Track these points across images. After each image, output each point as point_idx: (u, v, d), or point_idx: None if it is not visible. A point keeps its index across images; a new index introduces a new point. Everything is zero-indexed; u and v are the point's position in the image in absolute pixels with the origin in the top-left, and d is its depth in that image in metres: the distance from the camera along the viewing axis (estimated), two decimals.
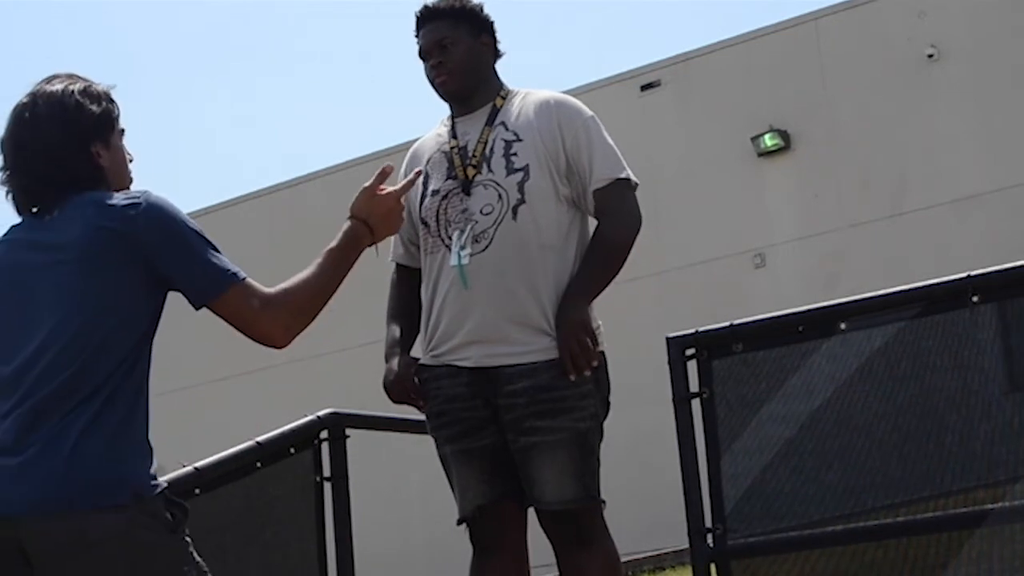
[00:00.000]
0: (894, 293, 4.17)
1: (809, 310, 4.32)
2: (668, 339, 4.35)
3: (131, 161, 2.94)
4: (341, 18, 31.18)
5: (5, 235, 2.88)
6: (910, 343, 4.09)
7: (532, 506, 3.92)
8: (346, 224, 2.94)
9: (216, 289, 2.74)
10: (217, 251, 2.77)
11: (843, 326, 4.15)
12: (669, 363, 4.32)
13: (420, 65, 4.10)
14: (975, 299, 3.97)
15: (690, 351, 4.32)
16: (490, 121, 4.00)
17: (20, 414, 2.66)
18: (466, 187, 3.93)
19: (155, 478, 2.73)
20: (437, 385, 3.95)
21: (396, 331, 4.10)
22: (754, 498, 4.19)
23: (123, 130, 2.93)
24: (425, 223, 3.98)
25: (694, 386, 4.32)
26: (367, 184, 2.97)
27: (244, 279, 2.76)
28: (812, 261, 12.52)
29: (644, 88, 13.57)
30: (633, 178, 4.01)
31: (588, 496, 3.88)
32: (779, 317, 4.37)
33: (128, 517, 2.61)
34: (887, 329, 4.10)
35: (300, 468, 4.62)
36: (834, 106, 12.65)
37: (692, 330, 4.35)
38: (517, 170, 3.91)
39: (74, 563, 2.58)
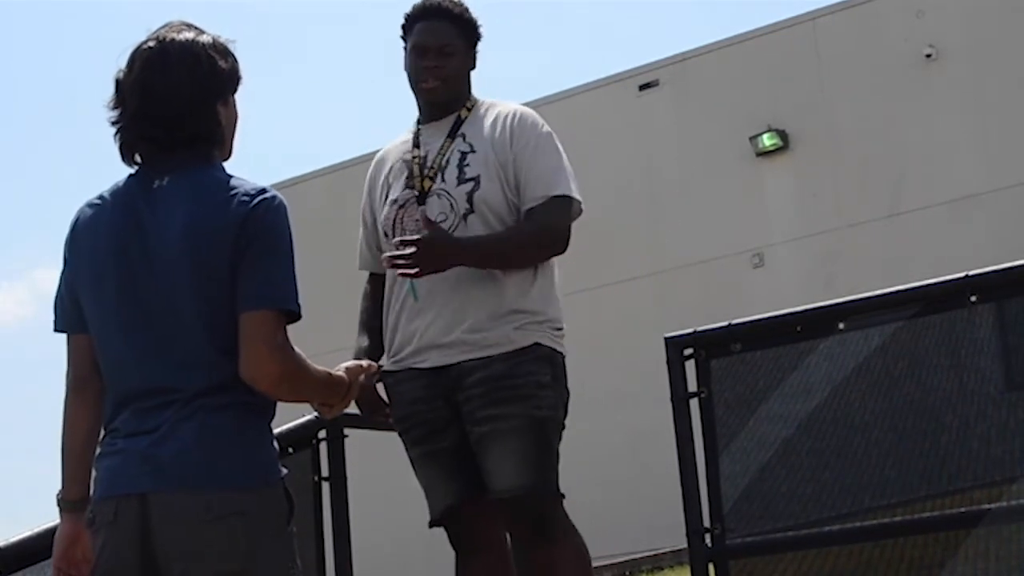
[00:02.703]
0: (892, 293, 4.17)
1: (807, 310, 4.33)
2: (666, 339, 4.36)
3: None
4: (341, 17, 31.19)
5: (114, 197, 2.80)
6: (908, 343, 4.10)
7: (491, 496, 3.85)
8: (342, 370, 2.89)
9: (262, 302, 2.66)
10: (293, 275, 2.72)
11: (841, 326, 4.15)
12: (667, 363, 4.33)
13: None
14: (973, 299, 3.98)
15: (688, 351, 4.33)
16: (452, 133, 4.00)
17: (147, 398, 2.68)
18: (421, 198, 3.94)
19: (279, 464, 2.75)
20: (399, 390, 3.96)
21: (363, 342, 4.10)
22: (752, 498, 4.20)
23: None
24: (385, 233, 4.00)
25: (692, 386, 4.32)
26: (364, 370, 2.94)
27: (290, 313, 2.68)
28: (810, 261, 12.52)
29: (642, 88, 13.56)
30: (575, 196, 3.96)
31: (545, 485, 3.82)
32: (777, 317, 4.38)
33: (252, 498, 2.64)
34: (885, 329, 4.11)
35: (298, 468, 4.61)
36: (832, 106, 12.65)
37: (690, 330, 4.36)
38: (468, 180, 3.92)
39: (193, 537, 2.60)
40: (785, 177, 12.84)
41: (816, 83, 12.75)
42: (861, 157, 12.46)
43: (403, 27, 4.07)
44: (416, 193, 3.95)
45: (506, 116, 4.01)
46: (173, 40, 2.78)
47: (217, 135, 2.81)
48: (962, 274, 4.04)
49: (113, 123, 2.80)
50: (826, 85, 12.69)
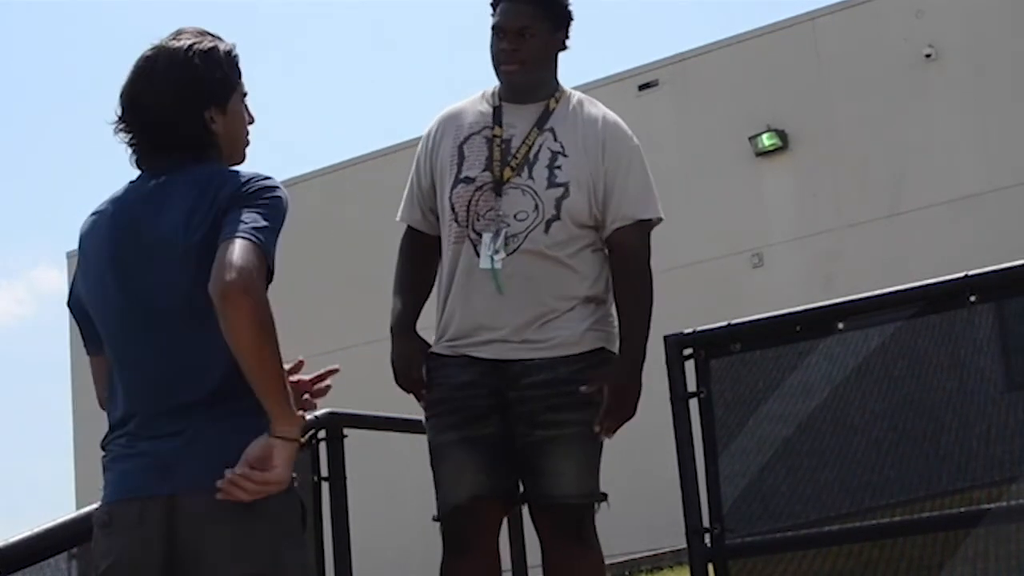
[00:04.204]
0: (891, 293, 4.17)
1: (806, 310, 4.33)
2: (666, 338, 4.35)
3: (251, 123, 2.90)
4: (341, 17, 31.19)
5: (113, 204, 2.82)
6: (907, 343, 4.10)
7: (539, 501, 3.83)
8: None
9: (240, 234, 2.60)
10: (275, 231, 2.67)
11: (841, 326, 4.15)
12: (667, 363, 4.32)
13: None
14: (972, 299, 3.97)
15: (688, 351, 4.32)
16: (540, 124, 3.92)
17: (161, 402, 2.69)
18: (498, 187, 3.85)
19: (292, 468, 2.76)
20: (444, 373, 3.85)
21: (405, 305, 3.97)
22: (751, 498, 4.19)
23: (245, 93, 2.88)
24: (453, 209, 3.88)
25: (692, 386, 4.32)
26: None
27: (264, 247, 2.61)
28: (810, 261, 12.53)
29: (642, 88, 13.58)
30: (660, 215, 3.96)
31: (597, 492, 3.85)
32: (777, 317, 4.37)
33: (272, 500, 2.65)
34: (884, 329, 4.10)
35: (297, 468, 4.58)
36: (832, 106, 12.66)
37: (690, 330, 4.35)
38: (558, 185, 3.85)
39: (215, 538, 2.61)
40: (785, 177, 12.84)
41: (816, 83, 12.75)
42: (861, 157, 12.47)
43: (492, 5, 3.99)
44: (492, 180, 3.85)
45: (596, 121, 3.96)
46: (166, 47, 2.81)
47: (207, 141, 2.81)
48: (962, 274, 4.03)
49: (116, 131, 2.84)
50: (826, 85, 12.70)
